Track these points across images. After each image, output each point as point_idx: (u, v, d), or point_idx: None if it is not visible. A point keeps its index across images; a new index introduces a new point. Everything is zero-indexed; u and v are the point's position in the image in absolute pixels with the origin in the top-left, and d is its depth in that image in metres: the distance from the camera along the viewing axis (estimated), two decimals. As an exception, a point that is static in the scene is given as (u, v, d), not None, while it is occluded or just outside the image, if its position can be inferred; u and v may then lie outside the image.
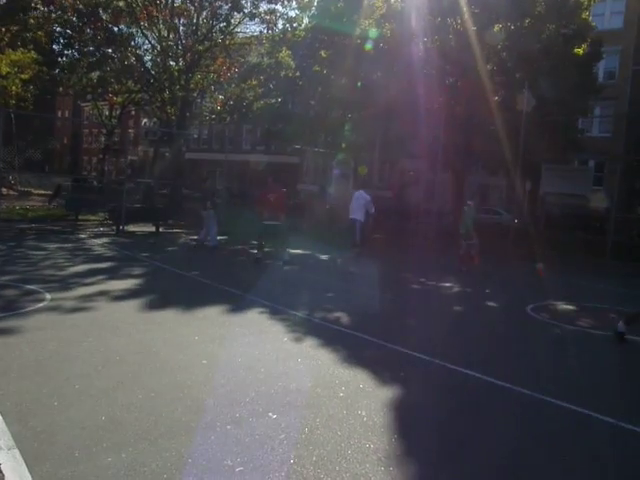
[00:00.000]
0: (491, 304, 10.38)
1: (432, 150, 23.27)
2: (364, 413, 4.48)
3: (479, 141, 22.16)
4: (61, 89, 33.55)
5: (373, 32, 23.69)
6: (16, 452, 3.48)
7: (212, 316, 7.41)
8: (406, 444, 4.00)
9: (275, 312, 7.83)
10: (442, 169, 23.62)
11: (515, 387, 5.39)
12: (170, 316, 7.23)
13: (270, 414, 4.32)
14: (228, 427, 4.04)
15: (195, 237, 15.76)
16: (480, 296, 11.18)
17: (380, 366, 5.71)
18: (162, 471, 3.39)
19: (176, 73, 25.74)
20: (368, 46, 23.38)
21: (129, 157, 41.11)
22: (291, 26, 27.17)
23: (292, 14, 27.21)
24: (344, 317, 7.97)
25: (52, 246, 13.16)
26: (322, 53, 25.16)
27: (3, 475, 3.23)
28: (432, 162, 24.61)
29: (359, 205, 12.52)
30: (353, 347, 6.36)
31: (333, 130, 28.97)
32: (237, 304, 8.15)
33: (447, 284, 12.02)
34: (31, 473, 3.26)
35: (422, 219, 27.27)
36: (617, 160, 20.51)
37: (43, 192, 31.94)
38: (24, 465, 3.34)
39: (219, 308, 7.83)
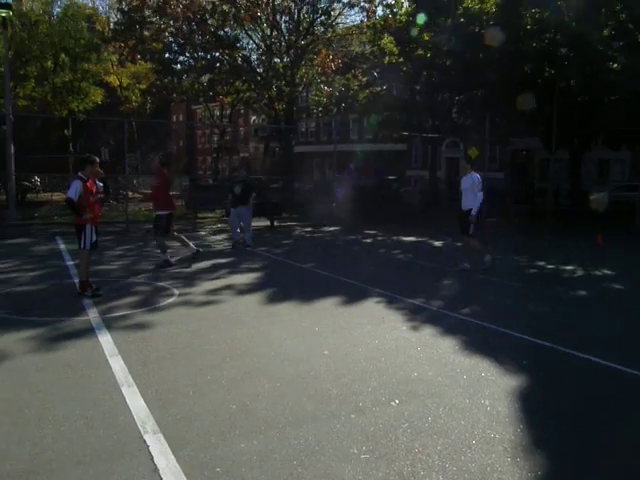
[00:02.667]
0: (617, 286, 9.79)
1: (545, 127, 22.21)
2: (487, 402, 4.41)
3: (598, 114, 20.83)
4: (175, 95, 35.37)
5: (475, 9, 22.88)
6: (160, 436, 3.78)
7: (330, 307, 7.58)
8: (533, 435, 3.90)
9: (392, 301, 7.87)
10: (557, 146, 22.45)
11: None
12: (290, 308, 7.48)
13: (393, 403, 4.38)
14: (352, 416, 4.14)
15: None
16: (603, 278, 10.57)
17: (502, 354, 5.59)
18: (292, 458, 3.54)
19: (281, 69, 26.37)
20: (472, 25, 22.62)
21: (241, 154, 42.61)
22: (391, 11, 26.88)
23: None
24: (462, 305, 7.85)
25: (175, 244, 13.96)
26: (424, 36, 24.70)
27: (152, 456, 3.52)
28: (546, 140, 23.47)
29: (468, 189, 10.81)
30: (473, 335, 6.27)
31: (440, 114, 28.41)
32: (354, 294, 8.28)
33: (568, 267, 11.48)
34: (175, 455, 3.52)
35: (538, 200, 26.13)
36: None
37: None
38: (168, 448, 3.62)
39: (337, 299, 7.99)
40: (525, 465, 3.50)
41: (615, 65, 20.74)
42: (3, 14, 17.41)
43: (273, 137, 38.07)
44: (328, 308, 7.51)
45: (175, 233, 11.41)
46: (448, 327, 6.55)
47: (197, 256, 11.20)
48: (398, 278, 9.90)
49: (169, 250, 10.95)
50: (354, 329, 6.49)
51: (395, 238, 16.13)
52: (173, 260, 10.81)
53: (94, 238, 8.10)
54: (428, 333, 6.35)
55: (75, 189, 7.83)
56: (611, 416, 4.29)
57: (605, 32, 20.47)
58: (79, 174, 8.11)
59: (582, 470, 3.52)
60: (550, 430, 4.03)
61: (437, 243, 15.47)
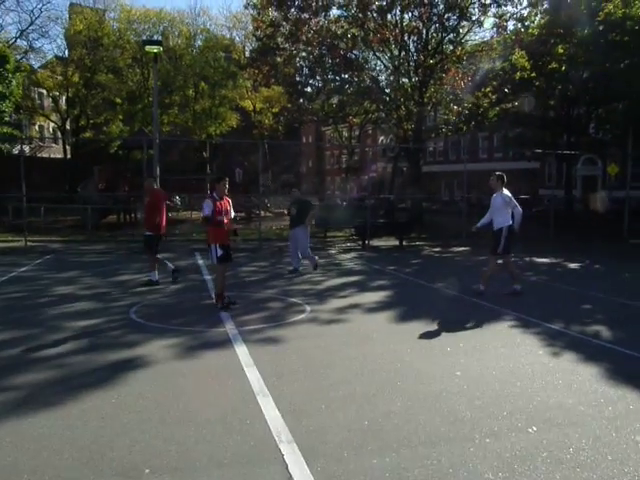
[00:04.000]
0: None
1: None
2: (638, 438, 4.10)
3: None
4: (305, 117, 36.51)
5: (618, 14, 21.52)
6: (295, 446, 3.90)
7: (462, 327, 7.43)
8: (693, 475, 3.57)
9: (528, 324, 7.55)
10: None
11: None
12: (421, 327, 7.42)
13: (530, 430, 4.20)
14: (487, 440, 4.02)
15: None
16: None
17: (653, 385, 5.17)
18: (424, 478, 3.50)
19: (410, 89, 26.36)
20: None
21: (369, 174, 43.01)
22: (523, 25, 26.02)
23: (523, 12, 26.07)
24: (605, 330, 7.36)
25: (306, 261, 14.34)
26: (559, 48, 23.62)
27: (286, 464, 3.65)
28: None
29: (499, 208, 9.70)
30: (618, 363, 5.86)
31: (576, 129, 26.96)
32: (485, 315, 8.05)
33: None
34: (308, 466, 3.62)
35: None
36: None
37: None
38: (302, 458, 3.73)
39: (468, 319, 7.82)
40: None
41: None
42: (155, 50, 19.00)
43: (401, 157, 38.03)
44: (459, 328, 7.36)
45: (158, 256, 10.90)
46: (589, 354, 6.16)
47: (177, 275, 10.90)
48: (533, 301, 9.47)
49: (170, 266, 11.06)
50: (487, 351, 6.30)
51: (528, 259, 15.46)
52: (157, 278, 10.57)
53: (219, 253, 8.38)
54: (567, 359, 6.02)
55: (207, 207, 8.32)
56: None
57: None
58: (212, 194, 8.62)
59: None
60: None
61: (573, 265, 14.62)
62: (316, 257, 12.75)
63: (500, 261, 9.88)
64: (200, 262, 13.86)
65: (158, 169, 18.77)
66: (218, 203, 8.37)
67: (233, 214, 8.80)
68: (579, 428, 4.23)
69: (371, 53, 28.28)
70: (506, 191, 9.74)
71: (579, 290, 10.56)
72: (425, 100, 26.24)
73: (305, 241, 12.39)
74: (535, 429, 4.22)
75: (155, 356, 6.01)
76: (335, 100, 33.72)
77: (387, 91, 27.95)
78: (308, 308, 8.56)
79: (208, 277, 11.45)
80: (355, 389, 5.04)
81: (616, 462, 3.74)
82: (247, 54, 39.97)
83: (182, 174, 30.82)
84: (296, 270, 12.23)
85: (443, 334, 7.09)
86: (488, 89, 26.60)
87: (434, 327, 7.45)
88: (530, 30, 25.40)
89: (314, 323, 7.68)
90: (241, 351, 6.21)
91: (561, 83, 25.67)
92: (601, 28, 21.86)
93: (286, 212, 13.58)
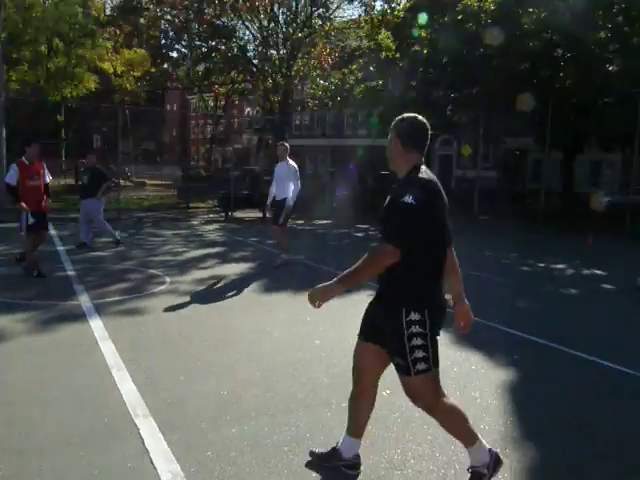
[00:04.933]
0: (606, 286, 9.87)
1: (539, 127, 22.25)
2: (477, 395, 4.45)
3: (592, 116, 20.90)
4: (170, 83, 35.21)
5: (474, 7, 22.85)
6: (151, 420, 3.78)
7: (321, 298, 7.57)
8: (521, 427, 3.94)
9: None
10: (550, 147, 22.53)
11: (634, 371, 5.13)
12: (282, 298, 7.49)
13: (384, 393, 4.38)
14: (343, 405, 4.10)
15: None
16: (593, 278, 10.65)
17: (493, 348, 5.62)
18: (282, 444, 3.55)
19: (277, 61, 26.30)
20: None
21: (234, 146, 42.53)
22: (390, 7, 26.83)
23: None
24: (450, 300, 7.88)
25: (168, 232, 13.95)
26: (422, 32, 24.68)
27: (143, 439, 3.52)
28: (539, 140, 23.52)
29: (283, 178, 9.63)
30: (463, 329, 6.30)
31: (435, 111, 28.41)
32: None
33: (559, 265, 11.58)
34: (166, 439, 3.52)
35: (530, 200, 26.27)
36: None
37: (158, 182, 33.75)
38: (159, 432, 3.62)
39: (327, 290, 7.98)
40: (514, 456, 3.53)
41: (610, 67, 20.82)
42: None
43: (267, 129, 37.98)
44: (320, 299, 7.51)
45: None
46: (439, 321, 6.57)
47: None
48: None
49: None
50: (346, 320, 6.47)
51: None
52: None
53: (30, 221, 7.86)
54: (419, 326, 6.37)
55: (11, 173, 7.82)
56: (599, 410, 4.33)
57: (602, 34, 20.54)
58: (22, 158, 8.00)
59: (569, 462, 3.55)
60: (538, 423, 4.07)
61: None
62: (117, 231, 11.82)
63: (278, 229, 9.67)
64: (52, 232, 12.95)
65: (4, 131, 17.20)
66: (28, 167, 7.90)
67: (48, 179, 8.31)
68: (427, 389, 4.49)
69: (240, 22, 27.77)
70: (292, 162, 9.64)
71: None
72: (292, 73, 26.33)
73: (98, 214, 11.20)
74: (389, 392, 4.41)
75: (0, 333, 5.53)
76: (201, 68, 32.80)
77: (255, 62, 27.69)
78: (168, 279, 8.32)
79: (61, 248, 10.74)
80: (214, 360, 4.98)
81: (458, 418, 4.02)
82: (108, 12, 37.51)
83: (34, 139, 28.53)
84: (84, 244, 11.00)
85: (304, 304, 7.15)
86: (354, 66, 27.20)
87: (295, 298, 7.54)
88: (396, 12, 26.23)
89: (174, 295, 7.48)
90: (96, 324, 5.91)
91: (422, 66, 26.82)
92: (460, 17, 23.07)
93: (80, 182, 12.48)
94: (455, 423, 3.07)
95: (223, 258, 10.60)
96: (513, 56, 20.93)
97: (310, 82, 29.52)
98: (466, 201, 24.12)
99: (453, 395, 4.35)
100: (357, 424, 3.30)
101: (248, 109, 57.20)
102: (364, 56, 28.43)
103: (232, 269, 9.36)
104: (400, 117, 3.14)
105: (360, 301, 7.41)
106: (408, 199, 2.72)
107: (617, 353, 5.70)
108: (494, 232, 17.67)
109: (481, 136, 23.58)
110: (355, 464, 3.28)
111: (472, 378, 4.80)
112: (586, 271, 11.30)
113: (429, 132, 3.09)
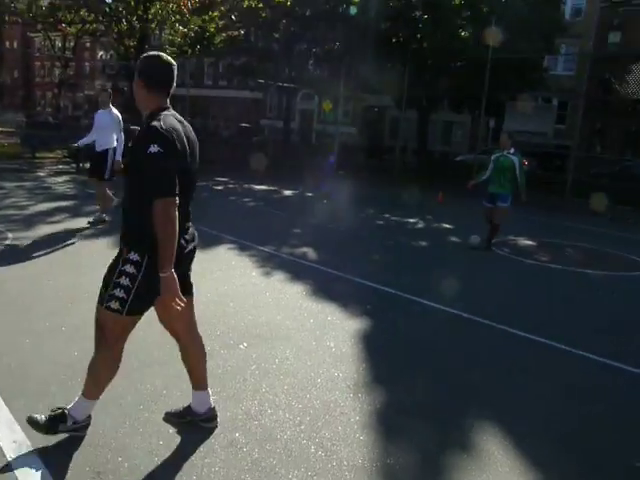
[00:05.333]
0: (454, 239, 10.62)
1: (397, 86, 23.06)
2: (332, 344, 4.64)
3: (445, 78, 22.01)
4: (7, 17, 31.81)
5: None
6: (-9, 388, 3.52)
7: (180, 253, 7.40)
8: (373, 373, 4.18)
9: (243, 248, 7.90)
10: (407, 106, 23.47)
11: (476, 317, 5.62)
12: (137, 254, 7.21)
13: (241, 346, 4.44)
14: (201, 359, 4.13)
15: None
16: (442, 232, 11.40)
17: (348, 299, 5.87)
18: (138, 403, 3.48)
19: (132, 3, 24.64)
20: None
21: (86, 92, 39.66)
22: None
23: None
24: (311, 252, 8.09)
25: (10, 185, 12.82)
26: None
27: (-19, 409, 3.28)
28: (396, 99, 24.39)
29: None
30: (321, 281, 6.51)
31: (297, 65, 28.38)
32: (204, 240, 8.09)
33: (411, 219, 12.24)
34: (8, 406, 3.31)
35: (387, 156, 27.34)
36: (580, 99, 20.71)
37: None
38: (1, 400, 3.38)
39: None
40: (366, 399, 3.74)
41: (463, 33, 21.92)
42: None
43: (122, 75, 35.76)
44: (178, 254, 7.34)
45: None
46: (297, 274, 6.73)
47: None
48: (248, 225, 9.93)
49: None
50: (203, 275, 6.41)
51: (247, 186, 16.09)
52: None
53: None
54: (277, 279, 6.48)
55: None
56: (446, 354, 4.71)
57: (456, 1, 21.49)
58: None
59: (417, 401, 3.84)
60: (389, 368, 4.34)
61: (288, 192, 15.67)
62: None
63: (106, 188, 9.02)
64: None
65: None
66: None
67: None
68: (285, 341, 4.61)
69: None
70: (115, 110, 9.01)
71: (291, 215, 11.37)
72: (149, 17, 24.83)
73: None
74: (246, 345, 4.48)
75: None
76: (45, 2, 29.94)
77: (108, 1, 25.73)
78: (10, 235, 7.68)
79: None
80: (64, 320, 4.72)
81: (314, 366, 4.19)
82: None
83: None
84: None
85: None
86: (215, 14, 26.24)
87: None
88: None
89: (18, 252, 6.92)
90: None
91: (286, 18, 26.50)
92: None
93: None
94: (102, 375, 3.12)
95: (74, 212, 9.96)
96: (372, 14, 21.31)
97: (168, 27, 28.09)
98: (326, 156, 24.58)
99: (309, 345, 4.53)
100: (195, 377, 3.31)
101: (101, 53, 53.38)
102: (226, 3, 27.49)
103: (83, 223, 8.83)
104: (143, 55, 2.98)
105: (217, 256, 7.38)
106: (153, 148, 2.62)
107: (459, 302, 6.18)
108: (351, 186, 18.21)
109: (341, 92, 23.95)
110: (210, 417, 3.30)
111: (328, 328, 4.99)
112: (436, 225, 12.06)
113: (175, 72, 2.93)
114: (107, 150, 8.74)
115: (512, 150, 8.90)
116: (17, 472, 2.76)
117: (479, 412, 3.75)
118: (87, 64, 55.30)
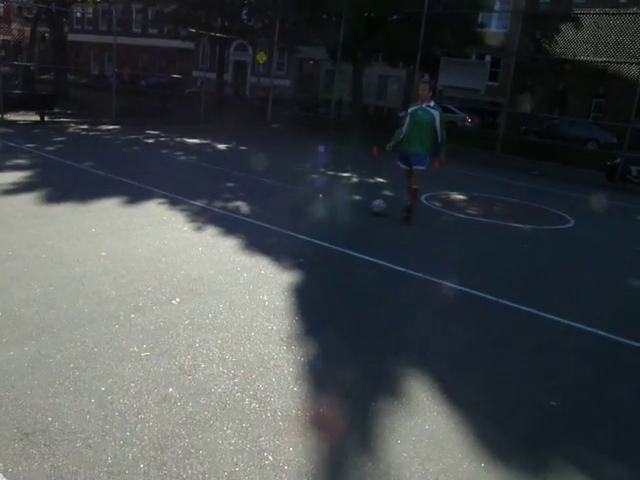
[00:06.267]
0: (387, 193, 10.75)
1: (332, 39, 22.74)
2: (266, 298, 4.66)
3: (380, 31, 21.84)
4: None
5: None
6: None
7: (109, 208, 7.20)
8: (306, 325, 4.24)
9: (174, 202, 7.74)
10: (342, 58, 23.25)
11: (409, 270, 5.76)
12: (65, 209, 6.95)
13: (173, 302, 4.40)
14: (132, 316, 4.08)
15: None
16: (376, 186, 11.51)
17: (281, 253, 5.88)
18: (68, 361, 3.40)
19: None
20: None
21: (1, 36, 37.18)
22: None
23: None
24: (244, 206, 8.02)
25: None
26: None
27: None
28: (331, 52, 24.11)
29: None
30: (254, 235, 6.48)
31: (230, 14, 27.47)
32: (135, 195, 7.95)
33: (346, 174, 12.30)
34: None
35: (322, 109, 27.14)
36: (511, 56, 21.09)
37: None
38: None
39: (116, 200, 7.61)
40: (299, 351, 3.80)
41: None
42: None
43: (42, 20, 33.60)
44: (106, 209, 7.13)
45: None
46: (229, 228, 6.67)
47: None
48: (181, 179, 9.72)
49: None
50: (134, 230, 6.28)
51: (179, 140, 15.67)
52: None
53: None
54: (210, 234, 6.41)
55: None
56: (374, 303, 4.82)
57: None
58: None
59: (348, 353, 3.93)
60: (320, 320, 4.41)
61: (221, 146, 15.38)
62: None
63: None
64: None
65: None
66: None
67: None
68: (218, 295, 4.59)
69: None
70: None
71: (224, 169, 11.19)
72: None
73: None
74: (178, 300, 4.43)
75: None
76: None
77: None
78: None
79: None
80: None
81: (247, 320, 4.21)
82: None
83: None
84: None
85: (89, 216, 6.77)
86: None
87: (79, 209, 7.05)
88: None
89: None
90: None
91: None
92: None
93: None
94: None
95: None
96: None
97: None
98: (260, 108, 24.17)
99: (242, 299, 4.53)
100: None
101: (18, -6, 49.87)
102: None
103: (4, 178, 8.38)
104: None
105: (148, 210, 7.23)
106: None
107: (386, 254, 6.32)
108: (286, 141, 18.05)
109: (275, 43, 23.43)
110: None
111: (261, 282, 5.00)
112: (370, 180, 12.16)
113: None
114: None
115: (432, 103, 7.71)
116: (-61, 435, 2.67)
117: (406, 360, 3.88)
118: (1, 5, 51.61)
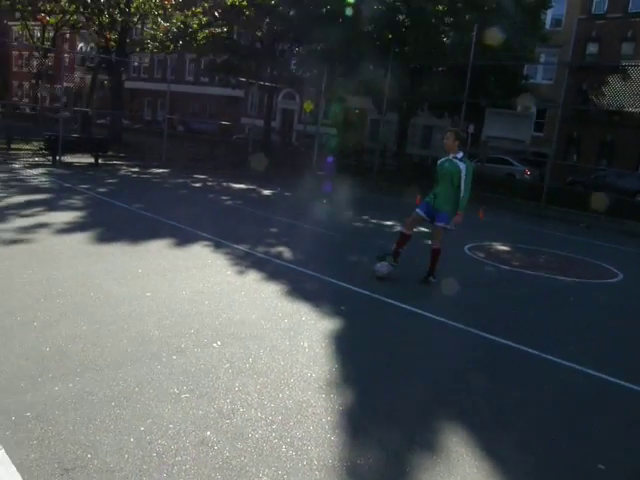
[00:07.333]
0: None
1: (378, 89, 23.14)
2: (306, 344, 4.66)
3: (426, 82, 22.18)
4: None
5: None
6: (-41, 382, 3.48)
7: (156, 249, 7.39)
8: (345, 373, 4.21)
9: (219, 246, 7.88)
10: (388, 109, 23.61)
11: (449, 321, 5.69)
12: (113, 249, 7.17)
13: (215, 345, 4.44)
14: (174, 357, 4.14)
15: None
16: (420, 235, 11.47)
17: (322, 300, 5.89)
18: (110, 399, 3.46)
19: (115, -5, 24.41)
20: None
21: (65, 84, 39.15)
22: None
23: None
24: (287, 252, 8.10)
25: None
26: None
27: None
28: (377, 101, 24.50)
29: None
30: (296, 281, 6.52)
31: (279, 64, 28.36)
32: (181, 238, 8.14)
33: (389, 222, 12.33)
34: (-25, 402, 3.27)
35: (366, 158, 27.42)
36: (557, 108, 21.06)
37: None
38: (-32, 394, 3.35)
39: (163, 241, 7.81)
40: (337, 400, 3.77)
41: (446, 39, 22.13)
42: None
43: (102, 68, 35.35)
44: (153, 251, 7.32)
45: None
46: (272, 273, 6.74)
47: None
48: (225, 224, 9.91)
49: None
50: (179, 272, 6.41)
51: (225, 184, 16.05)
52: None
53: None
54: (252, 278, 6.48)
55: None
56: (417, 354, 4.76)
57: (440, 7, 21.65)
58: None
59: (387, 404, 3.88)
60: (361, 369, 4.38)
61: (266, 192, 15.66)
62: None
63: None
64: None
65: None
66: None
67: None
68: (259, 340, 4.62)
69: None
70: None
71: (268, 215, 11.37)
72: (132, 10, 24.60)
73: None
74: (220, 343, 4.48)
75: None
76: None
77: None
78: (-17, 227, 7.57)
79: None
80: (36, 315, 4.67)
81: (287, 366, 4.21)
82: None
83: None
84: None
85: (135, 256, 6.96)
86: (199, 10, 26.11)
87: (127, 249, 7.27)
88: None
89: (-10, 244, 6.83)
90: None
91: (269, 16, 26.44)
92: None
93: None
94: None
95: (49, 205, 9.84)
96: (358, 15, 21.38)
97: (151, 22, 27.83)
98: (306, 156, 24.60)
99: (282, 344, 4.55)
100: None
101: (81, 44, 52.73)
102: (209, 0, 27.39)
103: (59, 218, 8.73)
104: None
105: (193, 253, 7.38)
106: None
107: (431, 305, 6.25)
108: (333, 187, 18.26)
109: (322, 93, 23.99)
110: None
111: (302, 328, 5.01)
112: (415, 230, 12.12)
113: None
114: None
115: (460, 154, 7.04)
116: (-16, 467, 2.74)
117: (448, 414, 3.81)
118: (66, 56, 54.51)
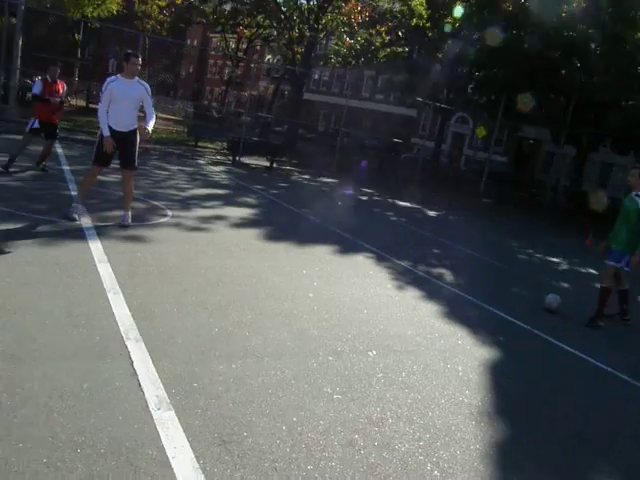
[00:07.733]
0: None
1: (557, 120, 22.04)
2: (460, 368, 4.54)
3: (612, 116, 20.68)
4: (195, 18, 34.51)
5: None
6: (142, 345, 3.85)
7: (320, 254, 7.64)
8: (498, 404, 4.04)
9: (381, 259, 7.96)
10: (566, 141, 22.38)
11: (619, 374, 5.24)
12: (281, 248, 7.54)
13: (370, 353, 4.49)
14: (330, 358, 4.24)
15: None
16: (587, 277, 10.72)
17: (480, 326, 5.71)
18: (267, 387, 3.63)
19: (306, 12, 25.77)
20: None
21: (250, 91, 41.93)
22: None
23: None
24: (447, 274, 7.96)
25: (173, 168, 13.90)
26: (457, 4, 24.17)
27: (132, 361, 3.60)
28: (554, 133, 23.32)
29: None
30: (454, 304, 6.39)
31: (456, 87, 28.08)
32: (345, 246, 8.35)
33: (556, 259, 11.65)
34: (155, 365, 3.60)
35: (535, 190, 26.19)
36: None
37: (168, 117, 33.34)
38: (149, 357, 3.70)
39: (328, 247, 8.06)
40: (488, 430, 3.64)
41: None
42: None
43: (285, 80, 37.44)
44: (318, 254, 7.58)
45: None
46: (431, 292, 6.66)
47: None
48: (389, 239, 9.98)
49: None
50: (341, 278, 6.57)
51: (390, 201, 16.17)
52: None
53: (34, 125, 9.48)
54: (411, 295, 6.46)
55: (36, 86, 9.54)
56: (564, 394, 4.45)
57: (639, 35, 20.16)
58: (47, 76, 9.64)
59: (538, 443, 3.66)
60: (515, 402, 4.18)
61: (431, 213, 15.54)
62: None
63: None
64: (59, 151, 12.89)
65: (21, 42, 16.89)
66: (50, 85, 9.57)
67: (65, 97, 10.01)
68: (413, 356, 4.59)
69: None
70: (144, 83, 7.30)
71: (431, 235, 11.26)
72: (320, 26, 25.81)
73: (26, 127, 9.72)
74: (375, 353, 4.51)
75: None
76: (228, 7, 32.12)
77: (284, 9, 27.09)
78: (170, 213, 8.33)
79: (67, 168, 10.71)
80: (208, 298, 5.04)
81: (439, 386, 4.13)
82: None
83: (50, 54, 27.98)
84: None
85: (301, 257, 7.26)
86: (383, 29, 26.70)
87: (293, 250, 7.60)
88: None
89: (174, 228, 7.50)
90: (95, 246, 5.92)
91: (452, 39, 26.36)
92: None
93: None
94: None
95: (226, 200, 10.61)
96: (545, 42, 20.54)
97: (336, 38, 28.99)
98: (473, 182, 24.06)
99: (436, 365, 4.47)
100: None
101: (269, 56, 56.21)
102: (394, 20, 27.88)
103: (234, 212, 9.37)
104: None
105: (356, 262, 7.51)
106: None
107: (599, 352, 5.80)
108: (495, 217, 17.69)
109: (498, 119, 23.31)
110: None
111: (457, 352, 4.90)
112: (583, 270, 11.36)
113: None
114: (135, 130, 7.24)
115: None
116: (158, 426, 3.00)
117: (597, 462, 3.50)
118: (254, 66, 58.43)
